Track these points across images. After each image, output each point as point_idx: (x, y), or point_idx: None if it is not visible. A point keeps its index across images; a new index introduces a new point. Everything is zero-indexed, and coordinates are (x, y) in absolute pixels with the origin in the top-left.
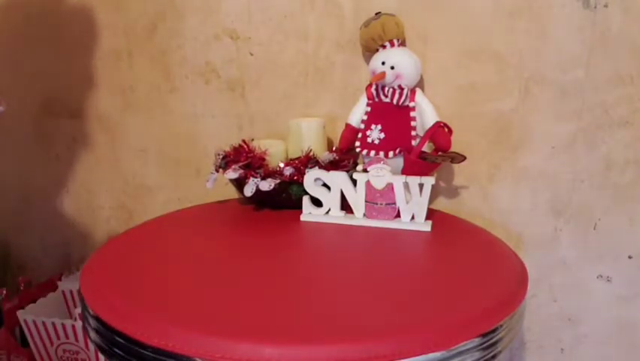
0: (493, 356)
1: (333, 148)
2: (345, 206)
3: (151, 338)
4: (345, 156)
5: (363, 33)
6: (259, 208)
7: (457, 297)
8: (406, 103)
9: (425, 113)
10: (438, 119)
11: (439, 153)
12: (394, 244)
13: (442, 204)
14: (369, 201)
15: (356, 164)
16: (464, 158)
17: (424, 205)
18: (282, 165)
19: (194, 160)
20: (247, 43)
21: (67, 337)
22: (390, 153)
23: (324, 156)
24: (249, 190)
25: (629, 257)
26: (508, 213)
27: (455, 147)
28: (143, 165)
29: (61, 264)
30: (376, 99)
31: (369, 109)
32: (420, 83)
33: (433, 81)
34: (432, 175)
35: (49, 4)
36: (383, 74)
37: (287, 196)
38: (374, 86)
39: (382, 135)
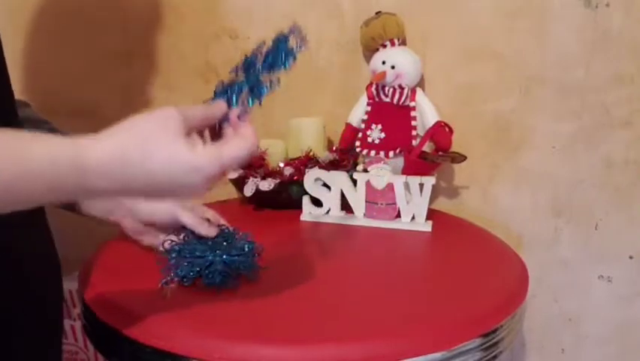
0: (494, 357)
1: (333, 148)
2: (345, 206)
3: (151, 338)
4: (345, 156)
5: (364, 32)
6: (259, 208)
7: (457, 297)
8: (407, 103)
9: (425, 113)
10: (438, 119)
11: (440, 152)
12: (394, 244)
13: (443, 204)
14: (370, 201)
15: (356, 164)
16: (464, 158)
17: (424, 205)
18: (281, 165)
19: None
20: (247, 43)
21: (66, 337)
22: (391, 153)
23: (324, 155)
24: (248, 190)
25: (630, 257)
26: (508, 213)
27: (455, 146)
28: None
29: (61, 264)
30: (377, 99)
31: (369, 109)
32: (420, 83)
33: (433, 81)
34: (432, 175)
35: (48, 3)
36: (383, 73)
37: (287, 196)
38: (374, 86)
39: (382, 135)
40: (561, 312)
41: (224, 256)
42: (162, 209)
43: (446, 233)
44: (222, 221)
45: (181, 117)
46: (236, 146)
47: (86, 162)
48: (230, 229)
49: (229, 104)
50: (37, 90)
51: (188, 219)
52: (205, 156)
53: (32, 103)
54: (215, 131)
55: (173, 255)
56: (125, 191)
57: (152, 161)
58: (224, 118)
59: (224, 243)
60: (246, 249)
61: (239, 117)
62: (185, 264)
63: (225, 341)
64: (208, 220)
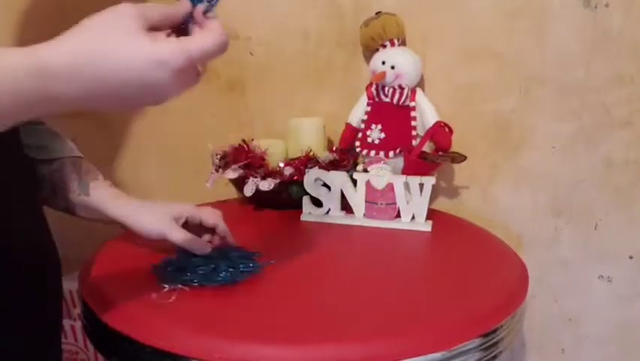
0: (494, 357)
1: (333, 148)
2: (345, 206)
3: (151, 338)
4: (345, 156)
5: (364, 32)
6: (259, 208)
7: (457, 297)
8: (406, 103)
9: (425, 113)
10: (438, 119)
11: (440, 152)
12: (394, 244)
13: (443, 204)
14: (370, 201)
15: (356, 164)
16: (464, 158)
17: (424, 205)
18: (281, 165)
19: (194, 160)
20: (247, 43)
21: (66, 337)
22: (391, 153)
23: (324, 155)
24: (248, 190)
25: (630, 257)
26: (508, 213)
27: (455, 146)
28: (143, 165)
29: (61, 264)
30: (376, 99)
31: (369, 109)
32: (420, 83)
33: (433, 81)
34: (432, 175)
35: (47, 3)
36: (383, 73)
37: (287, 196)
38: (374, 86)
39: (382, 135)
40: (561, 312)
41: (221, 266)
42: (151, 227)
43: (446, 233)
44: (225, 231)
45: (139, 13)
46: (201, 38)
47: (50, 68)
48: (229, 240)
49: (194, 3)
50: None
51: (180, 237)
52: (167, 48)
53: None
54: (181, 32)
55: (170, 268)
56: (92, 97)
57: (115, 58)
58: (190, 18)
59: (221, 255)
60: (244, 260)
61: (204, 14)
62: (183, 277)
63: (225, 341)
64: (201, 225)
